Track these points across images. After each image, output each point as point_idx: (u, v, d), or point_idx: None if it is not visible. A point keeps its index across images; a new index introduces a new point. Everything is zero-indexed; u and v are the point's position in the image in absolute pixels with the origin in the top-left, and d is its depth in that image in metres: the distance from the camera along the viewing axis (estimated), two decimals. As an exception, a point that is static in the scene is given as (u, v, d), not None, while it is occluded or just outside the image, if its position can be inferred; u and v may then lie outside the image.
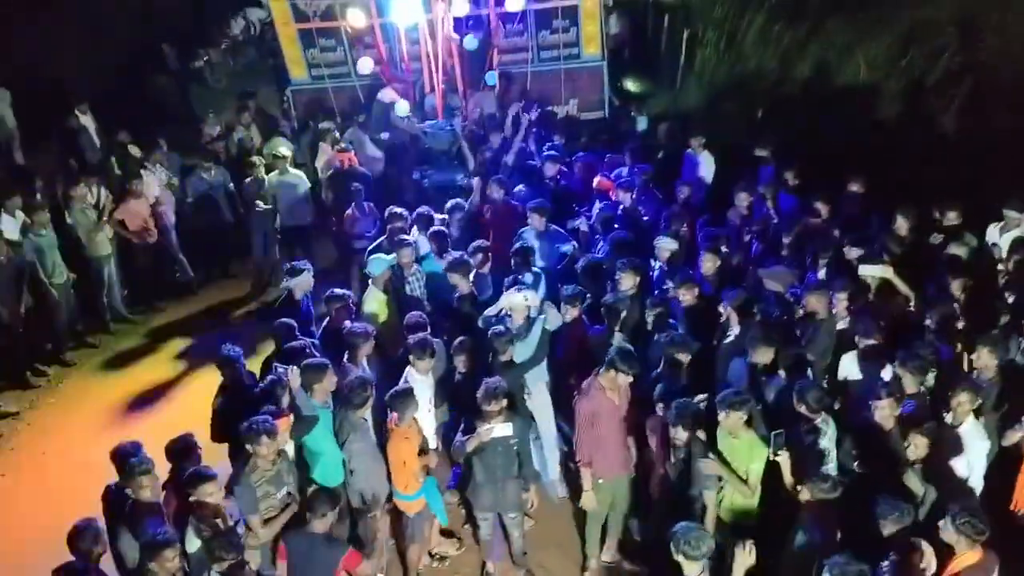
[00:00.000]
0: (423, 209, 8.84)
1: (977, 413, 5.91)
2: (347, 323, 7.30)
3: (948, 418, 5.88)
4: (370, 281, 7.80)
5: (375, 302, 7.70)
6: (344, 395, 6.28)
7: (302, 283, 7.81)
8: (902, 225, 7.88)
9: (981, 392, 5.94)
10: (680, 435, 5.76)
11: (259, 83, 14.05)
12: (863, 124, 11.11)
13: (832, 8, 12.76)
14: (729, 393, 5.79)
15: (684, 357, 6.45)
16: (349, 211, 9.75)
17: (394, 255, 7.87)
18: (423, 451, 6.31)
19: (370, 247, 8.57)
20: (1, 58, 13.94)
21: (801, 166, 9.26)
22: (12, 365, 9.36)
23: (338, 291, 7.60)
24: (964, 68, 10.70)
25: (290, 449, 6.17)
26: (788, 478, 5.60)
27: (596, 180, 9.63)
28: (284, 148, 10.92)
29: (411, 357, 6.56)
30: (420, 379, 6.56)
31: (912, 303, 7.09)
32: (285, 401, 6.26)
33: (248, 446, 5.71)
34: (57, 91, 13.36)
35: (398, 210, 8.73)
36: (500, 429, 6.03)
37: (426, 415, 6.60)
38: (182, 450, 6.02)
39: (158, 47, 15.08)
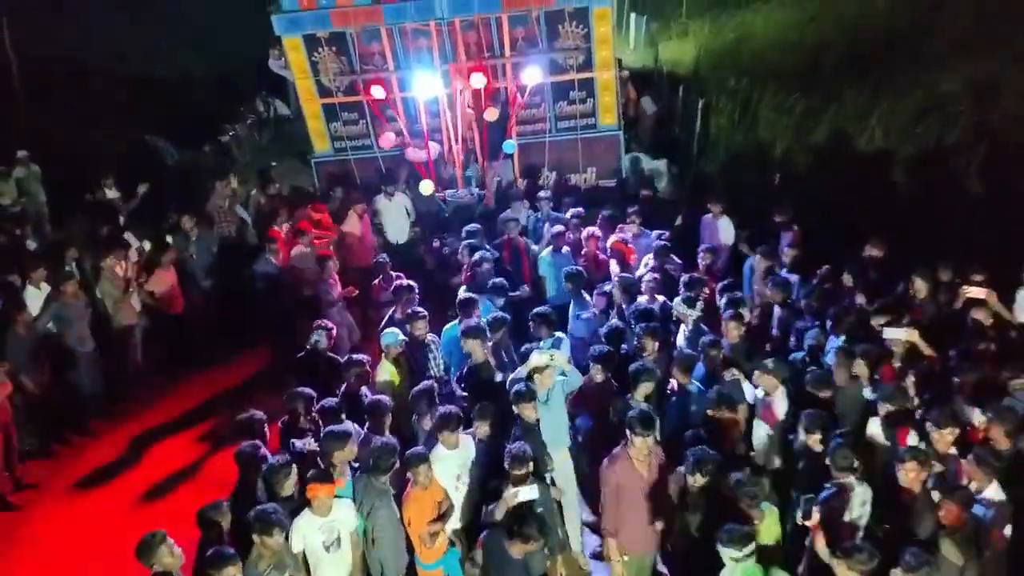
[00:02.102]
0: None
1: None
2: (364, 389, 7.39)
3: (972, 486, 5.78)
4: (382, 353, 7.82)
5: (386, 373, 7.72)
6: (371, 461, 6.26)
7: (326, 340, 8.22)
8: (921, 288, 7.89)
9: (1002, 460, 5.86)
10: (699, 481, 5.72)
11: (284, 156, 14.37)
12: (880, 189, 11.17)
13: (846, 78, 12.99)
14: (747, 482, 5.71)
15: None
16: (376, 281, 9.86)
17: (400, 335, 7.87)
18: (439, 518, 6.24)
19: (384, 320, 8.64)
20: (32, 135, 14.41)
21: (818, 231, 9.33)
22: (35, 435, 9.34)
23: (355, 356, 7.65)
24: (980, 133, 10.78)
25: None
26: (821, 547, 5.48)
27: (611, 241, 9.71)
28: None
29: (438, 434, 6.47)
30: (447, 455, 6.48)
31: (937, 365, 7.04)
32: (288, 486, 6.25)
33: (256, 536, 5.65)
34: (86, 167, 13.75)
35: (406, 283, 8.81)
36: (526, 492, 5.94)
37: (453, 492, 6.49)
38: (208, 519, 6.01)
39: (183, 124, 15.45)
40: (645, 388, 6.80)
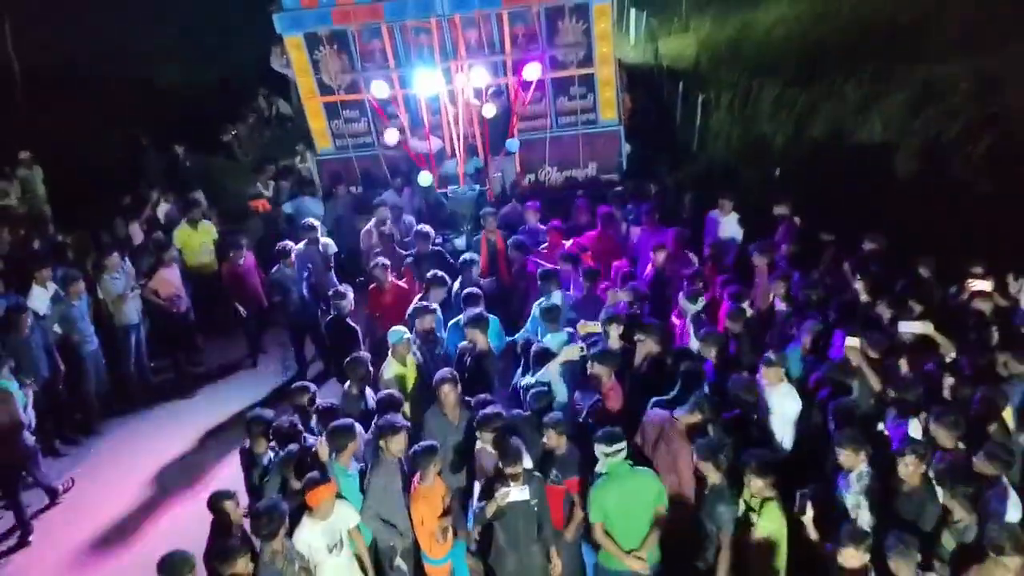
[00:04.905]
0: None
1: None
2: (368, 390, 7.45)
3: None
4: (390, 351, 7.83)
5: (393, 371, 7.74)
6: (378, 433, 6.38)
7: (348, 304, 8.75)
8: (921, 273, 7.98)
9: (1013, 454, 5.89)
10: (711, 474, 5.87)
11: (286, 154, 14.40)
12: (881, 182, 11.16)
13: (845, 70, 12.98)
14: (753, 456, 5.81)
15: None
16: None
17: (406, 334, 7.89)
18: (446, 513, 6.28)
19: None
20: (36, 138, 14.47)
21: (819, 225, 9.36)
22: (42, 434, 9.32)
23: (358, 355, 7.67)
24: (982, 124, 10.76)
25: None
26: (813, 535, 5.57)
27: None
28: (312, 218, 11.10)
29: (477, 432, 6.46)
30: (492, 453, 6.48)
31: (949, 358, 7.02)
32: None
33: (258, 540, 5.75)
34: (88, 167, 13.82)
35: (440, 274, 8.84)
36: (516, 493, 5.96)
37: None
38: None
39: (187, 127, 15.43)
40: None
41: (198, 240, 11.18)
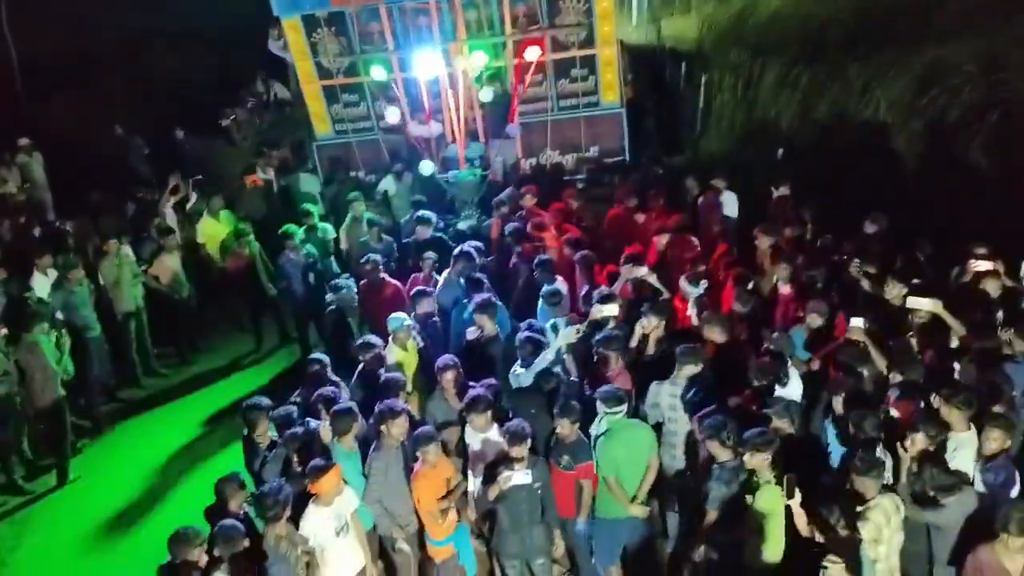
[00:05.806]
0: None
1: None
2: (381, 372, 7.39)
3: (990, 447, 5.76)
4: (391, 337, 7.82)
5: (394, 356, 7.73)
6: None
7: (346, 297, 8.66)
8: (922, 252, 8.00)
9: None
10: (718, 452, 5.87)
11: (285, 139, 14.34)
12: (884, 164, 11.10)
13: (849, 50, 12.87)
14: (754, 433, 5.74)
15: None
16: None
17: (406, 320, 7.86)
18: (449, 493, 6.29)
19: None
20: (35, 126, 14.45)
21: (822, 207, 9.32)
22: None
23: (370, 338, 7.67)
24: (987, 105, 10.67)
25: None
26: (801, 526, 5.54)
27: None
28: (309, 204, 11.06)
29: (467, 416, 6.50)
30: (481, 438, 6.52)
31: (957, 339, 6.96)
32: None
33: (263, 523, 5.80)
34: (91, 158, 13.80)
35: (466, 249, 8.83)
36: (519, 477, 5.96)
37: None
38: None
39: (186, 115, 15.34)
40: (691, 369, 6.70)
41: (223, 232, 11.11)
